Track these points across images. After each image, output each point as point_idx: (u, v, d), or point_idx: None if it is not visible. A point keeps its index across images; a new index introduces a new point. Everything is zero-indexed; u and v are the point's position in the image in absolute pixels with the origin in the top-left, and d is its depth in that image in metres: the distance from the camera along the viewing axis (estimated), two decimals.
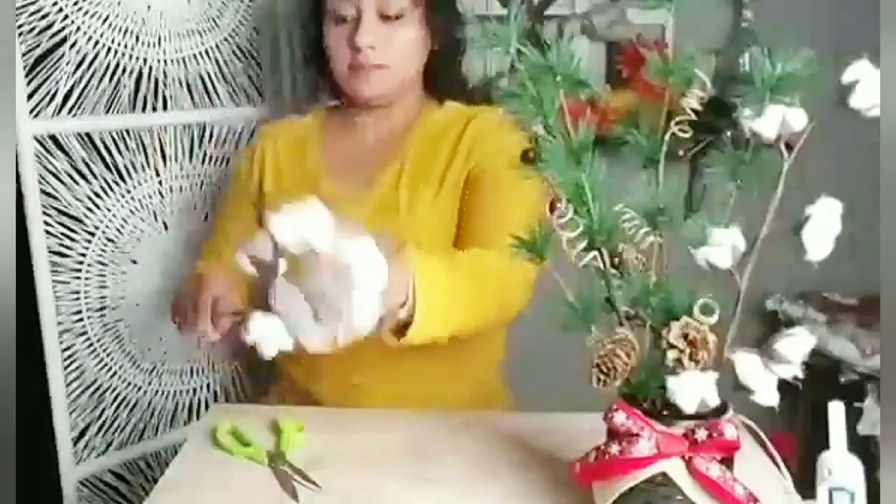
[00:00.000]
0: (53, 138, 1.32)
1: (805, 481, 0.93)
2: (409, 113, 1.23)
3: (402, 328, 0.91)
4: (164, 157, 1.47)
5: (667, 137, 0.78)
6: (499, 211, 1.11)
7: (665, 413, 0.75)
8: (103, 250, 1.42)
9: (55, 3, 1.28)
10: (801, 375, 0.71)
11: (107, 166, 1.40)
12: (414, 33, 1.16)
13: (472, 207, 1.14)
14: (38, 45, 1.27)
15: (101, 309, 1.44)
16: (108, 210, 1.41)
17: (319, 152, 1.24)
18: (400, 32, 1.14)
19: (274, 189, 1.24)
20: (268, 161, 1.25)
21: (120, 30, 1.36)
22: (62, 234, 1.35)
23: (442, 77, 1.23)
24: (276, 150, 1.26)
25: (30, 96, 1.28)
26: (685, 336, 0.72)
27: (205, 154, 1.52)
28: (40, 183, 1.31)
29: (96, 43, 1.34)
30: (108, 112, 1.37)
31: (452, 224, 1.18)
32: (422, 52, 1.19)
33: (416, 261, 0.91)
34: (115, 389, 1.48)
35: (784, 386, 0.73)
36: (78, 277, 1.39)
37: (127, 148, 1.41)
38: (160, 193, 1.48)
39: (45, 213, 1.32)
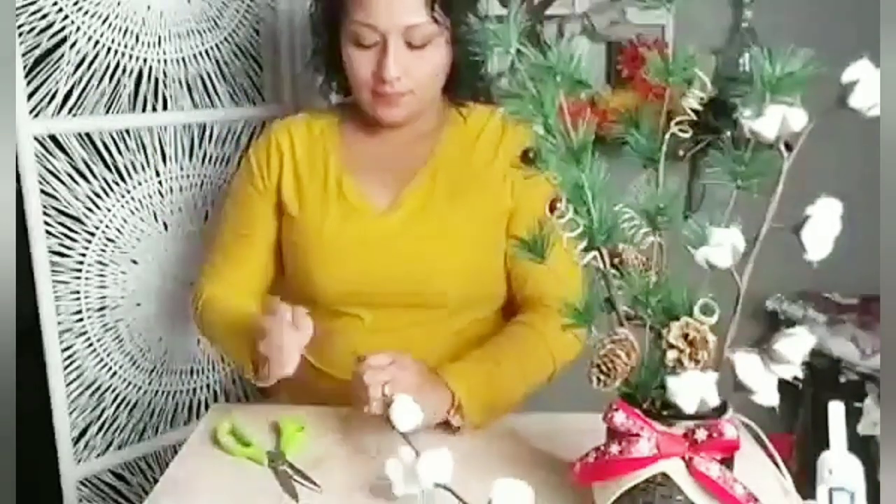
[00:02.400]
0: (53, 138, 1.31)
1: (805, 481, 0.94)
2: (432, 118, 1.22)
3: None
4: (163, 156, 1.47)
5: (667, 137, 0.78)
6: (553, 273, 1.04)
7: (665, 413, 0.75)
8: (103, 250, 1.42)
9: (55, 3, 1.28)
10: (800, 375, 0.71)
11: (107, 166, 1.39)
12: (439, 56, 1.13)
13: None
14: (38, 45, 1.27)
15: (101, 309, 1.44)
16: (108, 210, 1.41)
17: (339, 154, 1.22)
18: (426, 58, 1.11)
19: (293, 188, 1.20)
20: (286, 159, 1.21)
21: (120, 30, 1.36)
22: (62, 234, 1.35)
23: (461, 79, 1.20)
24: (293, 148, 1.22)
25: (30, 96, 1.27)
26: (685, 336, 0.72)
27: (205, 154, 1.52)
28: (40, 183, 1.30)
29: (96, 43, 1.33)
30: (108, 112, 1.37)
31: (490, 230, 1.18)
32: (446, 68, 1.16)
33: (455, 375, 1.05)
34: (115, 389, 1.48)
35: (784, 386, 0.73)
36: (78, 277, 1.39)
37: (127, 148, 1.41)
38: (160, 193, 1.48)
39: (45, 213, 1.32)
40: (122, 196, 1.42)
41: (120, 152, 1.40)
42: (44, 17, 1.27)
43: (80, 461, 1.44)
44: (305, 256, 1.18)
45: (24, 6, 1.24)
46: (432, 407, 1.00)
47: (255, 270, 1.24)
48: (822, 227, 0.70)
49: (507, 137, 1.19)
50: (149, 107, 1.42)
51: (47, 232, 1.33)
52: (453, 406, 1.03)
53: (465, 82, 1.21)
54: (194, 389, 1.60)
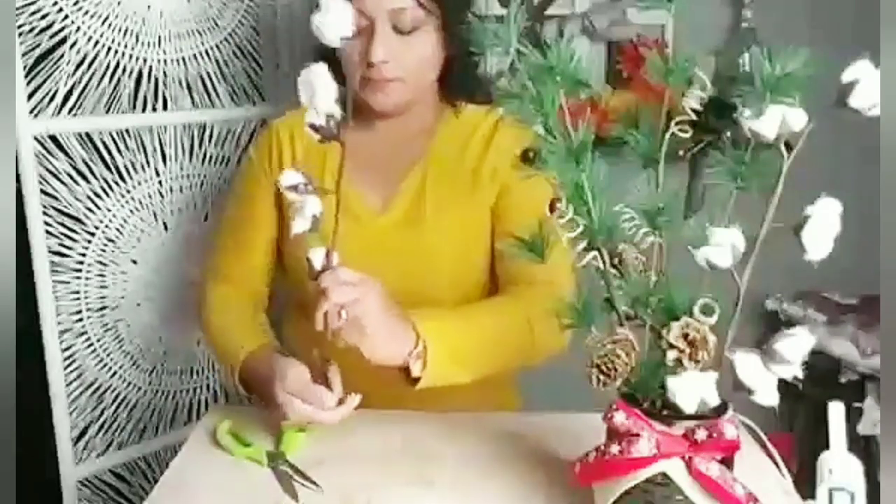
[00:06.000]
0: (53, 138, 1.31)
1: (805, 481, 0.94)
2: (426, 116, 1.22)
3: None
4: (163, 156, 1.47)
5: (667, 137, 0.78)
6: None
7: (665, 413, 0.75)
8: (103, 250, 1.42)
9: (55, 3, 1.28)
10: (801, 375, 0.71)
11: (107, 166, 1.39)
12: (429, 44, 1.13)
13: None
14: (38, 45, 1.27)
15: (101, 309, 1.44)
16: (108, 210, 1.41)
17: (336, 154, 1.22)
18: (415, 45, 1.11)
19: None
20: (285, 155, 1.22)
21: (120, 30, 1.36)
22: (62, 234, 1.35)
23: (456, 79, 1.21)
24: (293, 145, 1.22)
25: (30, 96, 1.27)
26: (685, 336, 0.72)
27: (205, 154, 1.52)
28: (40, 183, 1.30)
29: (96, 43, 1.33)
30: (108, 112, 1.37)
31: (480, 228, 1.18)
32: (438, 60, 1.16)
33: (425, 319, 1.00)
34: (115, 389, 1.48)
35: (784, 386, 0.73)
36: (78, 277, 1.39)
37: (127, 148, 1.41)
38: (160, 193, 1.48)
39: (45, 213, 1.32)
40: (122, 196, 1.42)
41: (120, 152, 1.40)
42: (44, 17, 1.27)
43: (80, 461, 1.44)
44: (302, 255, 1.18)
45: (24, 6, 1.24)
46: (395, 344, 0.97)
47: (258, 266, 1.25)
48: (822, 227, 0.70)
49: (499, 134, 1.19)
50: (149, 107, 1.42)
51: (47, 232, 1.33)
52: (416, 351, 0.98)
53: (460, 80, 1.21)
54: (194, 390, 1.60)
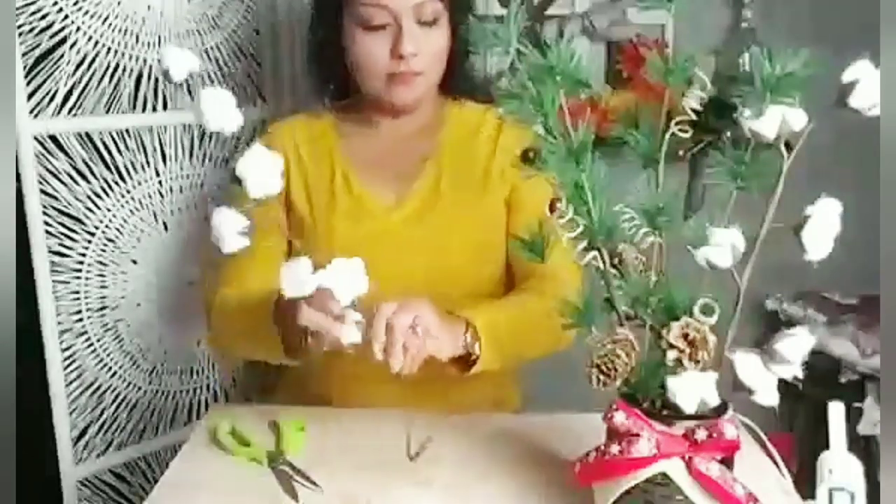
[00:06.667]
0: (53, 138, 1.31)
1: (805, 481, 0.94)
2: (427, 112, 1.23)
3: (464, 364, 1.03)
4: (163, 156, 1.47)
5: (667, 137, 0.78)
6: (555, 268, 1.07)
7: (665, 413, 0.75)
8: (103, 250, 1.42)
9: (55, 3, 1.28)
10: (801, 375, 0.71)
11: (107, 166, 1.39)
12: (444, 37, 1.16)
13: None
14: (38, 45, 1.27)
15: (101, 309, 1.44)
16: (108, 210, 1.41)
17: (342, 153, 1.22)
18: (434, 37, 1.14)
19: (302, 188, 1.20)
20: (291, 159, 1.21)
21: (120, 30, 1.36)
22: (62, 234, 1.35)
23: (457, 78, 1.23)
24: (297, 149, 1.22)
25: (30, 96, 1.27)
26: (685, 336, 0.72)
27: (205, 154, 1.52)
28: (40, 183, 1.30)
29: (96, 43, 1.33)
30: (108, 112, 1.37)
31: (494, 222, 1.20)
32: (447, 54, 1.18)
33: (473, 310, 1.04)
34: (115, 389, 1.48)
35: (784, 386, 0.73)
36: (78, 277, 1.39)
37: (127, 148, 1.41)
38: (160, 193, 1.48)
39: (45, 213, 1.32)
40: (122, 196, 1.42)
41: (120, 152, 1.40)
42: (44, 17, 1.27)
43: (80, 461, 1.44)
44: (314, 255, 1.17)
45: (24, 6, 1.24)
46: (455, 339, 1.01)
47: (267, 272, 1.23)
48: (822, 227, 0.70)
49: (504, 135, 1.21)
50: (149, 107, 1.42)
51: (47, 232, 1.33)
52: (466, 335, 1.02)
53: (461, 79, 1.22)
54: (194, 390, 1.60)
